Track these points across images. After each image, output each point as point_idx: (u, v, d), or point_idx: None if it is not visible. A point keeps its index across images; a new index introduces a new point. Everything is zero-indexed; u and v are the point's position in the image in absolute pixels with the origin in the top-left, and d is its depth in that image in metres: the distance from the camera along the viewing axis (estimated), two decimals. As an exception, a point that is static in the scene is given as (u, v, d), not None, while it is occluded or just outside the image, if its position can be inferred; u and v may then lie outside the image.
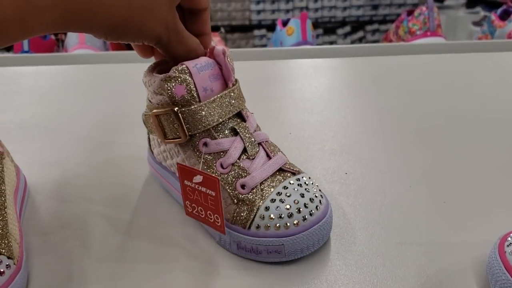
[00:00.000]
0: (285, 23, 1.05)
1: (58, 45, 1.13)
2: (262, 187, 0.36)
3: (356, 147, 0.53)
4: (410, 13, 1.05)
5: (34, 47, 1.00)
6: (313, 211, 0.35)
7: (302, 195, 0.35)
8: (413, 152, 0.51)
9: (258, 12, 2.67)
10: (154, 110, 0.37)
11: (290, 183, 0.36)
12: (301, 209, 0.34)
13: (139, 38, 0.34)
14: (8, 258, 0.33)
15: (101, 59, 0.90)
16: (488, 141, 0.53)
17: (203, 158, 0.37)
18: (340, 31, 2.70)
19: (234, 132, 0.37)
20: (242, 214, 0.35)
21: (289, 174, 0.37)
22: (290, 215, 0.34)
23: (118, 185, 0.47)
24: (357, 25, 2.73)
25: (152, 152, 0.45)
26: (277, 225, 0.34)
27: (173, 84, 0.35)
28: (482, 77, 0.74)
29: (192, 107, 0.36)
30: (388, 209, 0.42)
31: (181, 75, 0.35)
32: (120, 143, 0.55)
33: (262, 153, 0.38)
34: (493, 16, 1.01)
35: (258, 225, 0.35)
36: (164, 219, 0.41)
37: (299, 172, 0.38)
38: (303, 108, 0.64)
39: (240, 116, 0.39)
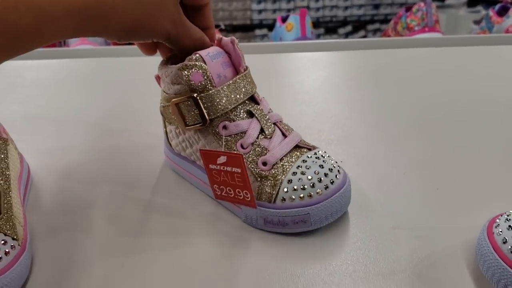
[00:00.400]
0: (284, 19, 1.06)
1: (60, 41, 1.15)
2: (282, 163, 0.38)
3: (352, 137, 0.54)
4: (408, 9, 1.06)
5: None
6: (333, 180, 0.37)
7: (321, 166, 0.37)
8: (408, 142, 0.52)
9: (259, 11, 2.68)
10: (173, 99, 0.39)
11: (308, 157, 0.38)
12: (322, 179, 0.37)
13: (150, 37, 0.36)
14: (13, 239, 0.34)
15: (102, 53, 0.91)
16: (481, 132, 0.54)
17: (224, 141, 0.39)
18: (342, 30, 2.71)
19: (250, 114, 0.40)
20: (266, 190, 0.37)
21: (305, 150, 0.40)
22: (313, 185, 0.36)
23: (120, 174, 0.48)
24: (358, 24, 2.74)
25: (170, 145, 0.46)
26: (301, 195, 0.36)
27: (190, 72, 0.37)
28: (479, 70, 0.74)
29: (210, 91, 0.38)
30: (382, 195, 0.43)
31: (196, 63, 0.37)
32: (123, 134, 0.56)
33: (278, 132, 0.40)
34: (491, 12, 1.01)
35: (283, 198, 0.37)
36: (182, 202, 0.43)
37: (314, 148, 0.40)
38: (301, 100, 0.65)
39: (253, 99, 0.41)
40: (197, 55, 0.38)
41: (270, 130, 0.39)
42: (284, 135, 0.40)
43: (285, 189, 0.37)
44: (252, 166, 0.38)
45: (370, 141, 0.53)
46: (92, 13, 0.30)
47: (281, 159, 0.38)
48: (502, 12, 0.99)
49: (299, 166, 0.38)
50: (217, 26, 1.71)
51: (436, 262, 0.35)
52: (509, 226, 0.32)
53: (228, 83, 0.39)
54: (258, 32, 2.60)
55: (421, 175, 0.46)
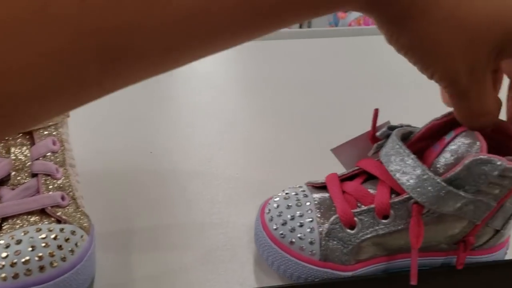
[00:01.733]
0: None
1: None
2: (2, 223, 0.31)
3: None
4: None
5: None
6: (30, 272, 0.28)
7: (33, 249, 0.29)
8: (217, 126, 0.53)
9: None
10: None
11: (36, 230, 0.30)
12: (16, 264, 0.28)
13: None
14: None
15: None
16: (294, 120, 0.55)
17: None
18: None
19: (9, 152, 0.34)
20: None
21: (52, 220, 0.32)
22: (1, 267, 0.28)
23: None
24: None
25: None
26: None
27: None
28: (310, 61, 0.74)
29: None
30: (189, 181, 0.44)
31: None
32: None
33: (30, 185, 0.33)
34: (336, 8, 1.07)
35: None
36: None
37: (66, 222, 0.32)
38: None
39: (30, 137, 0.35)
40: None
41: (18, 179, 0.33)
42: (38, 192, 0.33)
43: None
44: None
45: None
46: None
47: (5, 219, 0.31)
48: (347, 8, 1.05)
49: (13, 236, 0.29)
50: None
51: (225, 244, 0.38)
52: (277, 205, 0.34)
53: None
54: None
55: (227, 161, 0.47)
